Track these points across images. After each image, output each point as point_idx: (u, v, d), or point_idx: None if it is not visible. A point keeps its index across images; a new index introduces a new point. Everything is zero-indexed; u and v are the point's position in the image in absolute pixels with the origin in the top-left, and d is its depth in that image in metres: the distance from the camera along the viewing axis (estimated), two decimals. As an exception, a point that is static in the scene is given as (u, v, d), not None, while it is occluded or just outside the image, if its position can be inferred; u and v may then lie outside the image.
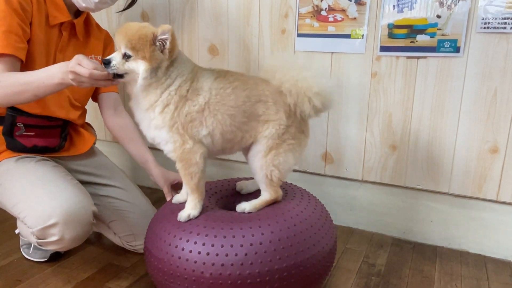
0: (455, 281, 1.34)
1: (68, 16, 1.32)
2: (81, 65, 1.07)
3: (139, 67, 1.03)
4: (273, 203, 1.16)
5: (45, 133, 1.35)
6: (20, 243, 1.45)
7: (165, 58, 1.04)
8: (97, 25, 1.50)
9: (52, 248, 1.24)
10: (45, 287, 1.27)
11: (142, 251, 1.39)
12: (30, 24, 1.25)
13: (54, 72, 1.12)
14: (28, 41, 1.25)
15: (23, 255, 1.43)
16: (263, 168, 1.12)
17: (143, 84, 1.05)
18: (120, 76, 1.06)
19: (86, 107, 1.52)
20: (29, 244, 1.41)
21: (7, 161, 1.29)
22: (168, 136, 1.07)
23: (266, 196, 1.15)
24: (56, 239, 1.18)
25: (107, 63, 1.05)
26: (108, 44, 1.51)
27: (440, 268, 1.42)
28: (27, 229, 1.23)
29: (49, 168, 1.29)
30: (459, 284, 1.33)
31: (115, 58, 1.05)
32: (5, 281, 1.29)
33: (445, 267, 1.42)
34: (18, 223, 1.33)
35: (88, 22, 1.45)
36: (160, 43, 1.03)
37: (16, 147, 1.30)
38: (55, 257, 1.41)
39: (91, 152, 1.50)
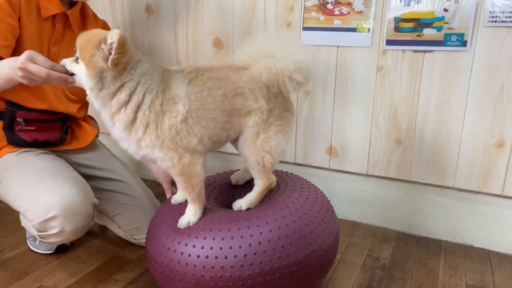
0: (459, 275, 1.35)
1: (61, 8, 1.28)
2: (35, 63, 1.01)
3: (81, 70, 0.98)
4: (272, 195, 1.15)
5: (46, 127, 1.34)
6: (27, 235, 1.46)
7: (107, 67, 0.94)
8: (94, 15, 1.45)
9: (54, 240, 1.24)
10: (52, 279, 1.28)
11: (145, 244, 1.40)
12: (19, 19, 1.20)
13: (2, 67, 1.06)
14: (19, 36, 1.21)
15: (29, 247, 1.44)
16: (253, 155, 1.09)
17: (95, 96, 0.99)
18: (71, 75, 1.03)
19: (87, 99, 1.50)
20: (35, 236, 1.42)
21: (8, 156, 1.29)
22: (162, 154, 1.02)
23: (259, 185, 1.13)
24: (56, 232, 1.18)
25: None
26: None
27: (445, 262, 1.42)
28: (28, 222, 1.23)
29: (50, 161, 1.29)
30: (463, 277, 1.33)
31: (70, 58, 1.03)
32: (13, 272, 1.31)
33: (450, 261, 1.43)
34: (21, 216, 1.33)
35: (84, 12, 1.40)
36: (109, 48, 0.94)
37: (17, 142, 1.29)
38: (61, 249, 1.42)
39: (93, 145, 1.50)
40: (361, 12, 1.50)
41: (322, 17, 1.56)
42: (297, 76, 1.04)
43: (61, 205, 1.16)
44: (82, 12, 1.39)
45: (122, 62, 0.95)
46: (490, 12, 1.33)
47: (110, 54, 0.93)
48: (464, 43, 1.39)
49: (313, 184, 1.26)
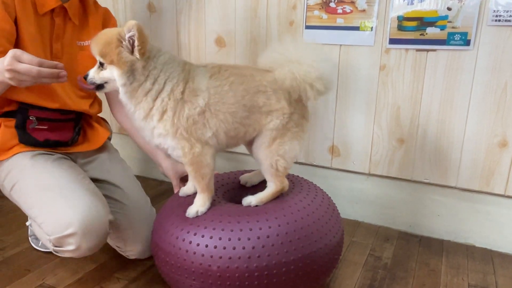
0: (461, 275, 1.34)
1: (57, 1, 1.23)
2: (21, 62, 0.96)
3: (112, 73, 1.01)
4: (280, 195, 1.15)
5: (58, 127, 1.31)
6: (29, 233, 1.46)
7: (136, 58, 0.99)
8: (95, 3, 1.39)
9: (68, 256, 1.19)
10: (53, 277, 1.28)
11: (132, 257, 1.35)
12: (16, 19, 1.15)
13: None
14: (17, 38, 1.17)
15: (31, 245, 1.44)
16: (267, 158, 1.10)
17: (124, 91, 1.02)
18: (101, 87, 1.05)
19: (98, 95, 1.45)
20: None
21: (21, 156, 1.24)
22: (174, 143, 1.05)
23: (272, 187, 1.14)
24: (73, 248, 1.14)
25: (85, 77, 1.05)
26: (108, 22, 1.40)
27: (447, 261, 1.42)
28: (43, 234, 1.18)
29: (66, 169, 1.24)
30: (465, 277, 1.33)
31: (92, 69, 1.04)
32: (14, 270, 1.31)
33: (452, 261, 1.42)
34: (34, 224, 1.29)
35: (84, 1, 1.34)
36: (129, 42, 0.98)
37: (29, 141, 1.25)
38: (63, 248, 1.42)
39: (102, 147, 1.44)
40: (364, 10, 1.49)
41: (325, 16, 1.56)
42: (318, 84, 1.06)
43: (80, 222, 1.12)
44: (82, 1, 1.33)
45: (147, 50, 0.99)
46: (494, 11, 1.33)
47: (133, 46, 0.98)
48: (467, 42, 1.38)
49: (319, 187, 1.27)
